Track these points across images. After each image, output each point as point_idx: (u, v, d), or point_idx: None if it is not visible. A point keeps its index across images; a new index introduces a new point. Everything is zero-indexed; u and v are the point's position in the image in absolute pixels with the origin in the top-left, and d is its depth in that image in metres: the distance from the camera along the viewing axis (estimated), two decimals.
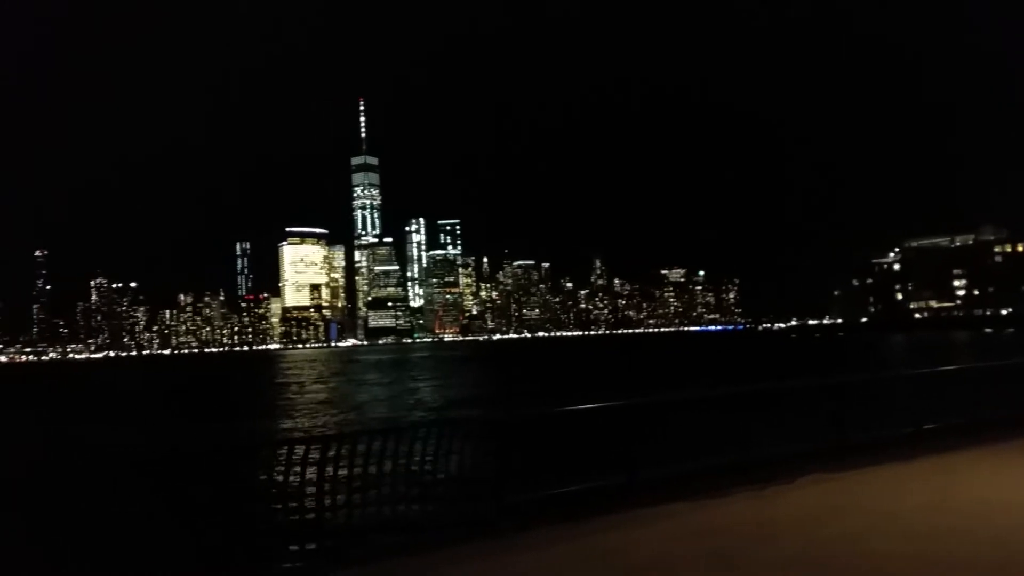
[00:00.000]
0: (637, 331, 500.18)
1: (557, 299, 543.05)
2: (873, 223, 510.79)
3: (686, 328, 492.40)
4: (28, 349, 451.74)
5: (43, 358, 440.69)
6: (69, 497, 8.59)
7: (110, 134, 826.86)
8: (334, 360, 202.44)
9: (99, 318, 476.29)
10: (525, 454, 11.47)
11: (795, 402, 15.25)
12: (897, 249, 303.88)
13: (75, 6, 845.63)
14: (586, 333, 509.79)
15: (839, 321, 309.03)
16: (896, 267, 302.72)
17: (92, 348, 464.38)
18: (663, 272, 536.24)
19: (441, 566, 8.81)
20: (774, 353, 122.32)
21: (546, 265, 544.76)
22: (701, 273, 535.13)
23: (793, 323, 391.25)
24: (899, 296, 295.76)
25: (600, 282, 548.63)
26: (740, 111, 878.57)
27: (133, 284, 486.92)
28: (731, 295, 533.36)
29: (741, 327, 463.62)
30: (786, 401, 15.21)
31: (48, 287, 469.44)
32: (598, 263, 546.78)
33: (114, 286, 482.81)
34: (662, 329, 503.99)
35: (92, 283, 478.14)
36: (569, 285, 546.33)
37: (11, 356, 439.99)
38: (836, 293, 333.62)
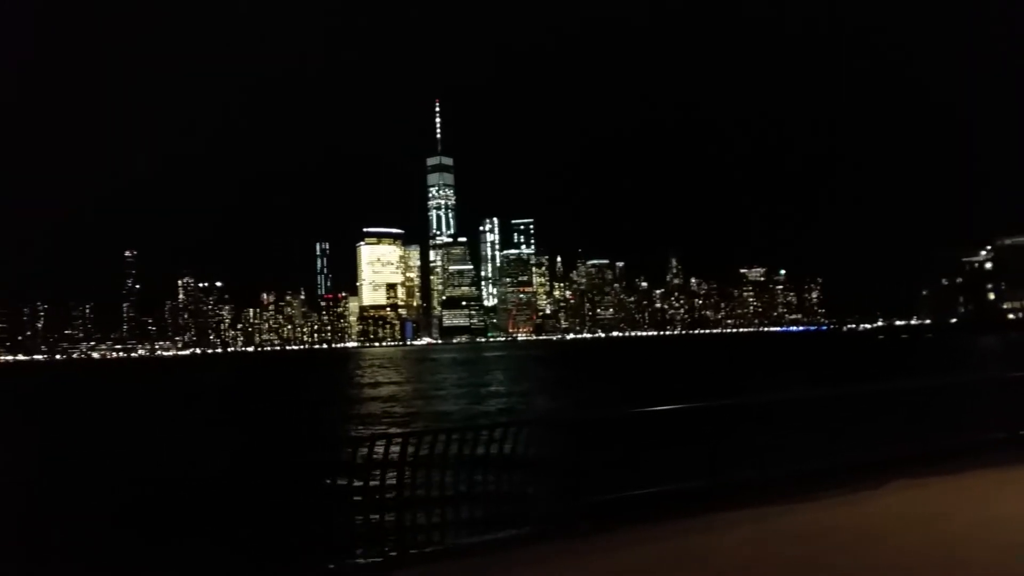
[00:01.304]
0: (714, 331, 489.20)
1: (632, 299, 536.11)
2: (963, 220, 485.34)
3: (766, 329, 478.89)
4: (118, 346, 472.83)
5: (132, 355, 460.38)
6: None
7: (198, 138, 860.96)
8: (410, 359, 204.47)
9: (186, 316, 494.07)
10: (602, 455, 11.36)
11: (882, 405, 14.43)
12: (989, 247, 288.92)
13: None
14: (661, 333, 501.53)
15: (928, 322, 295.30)
16: (988, 265, 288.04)
17: (179, 345, 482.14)
18: (742, 271, 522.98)
19: (518, 565, 8.79)
20: (859, 355, 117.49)
21: (620, 264, 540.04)
22: (782, 272, 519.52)
23: (879, 324, 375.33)
24: (991, 296, 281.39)
25: (676, 281, 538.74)
26: (825, 105, 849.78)
27: (219, 283, 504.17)
28: (814, 295, 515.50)
29: (824, 328, 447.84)
30: (872, 404, 14.38)
31: (137, 286, 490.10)
32: (674, 262, 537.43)
33: (200, 285, 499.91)
34: (741, 330, 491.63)
35: (179, 282, 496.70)
36: (644, 284, 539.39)
37: (103, 353, 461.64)
38: (924, 293, 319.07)
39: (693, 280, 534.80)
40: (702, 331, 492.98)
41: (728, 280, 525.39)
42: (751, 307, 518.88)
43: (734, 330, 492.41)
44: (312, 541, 9.58)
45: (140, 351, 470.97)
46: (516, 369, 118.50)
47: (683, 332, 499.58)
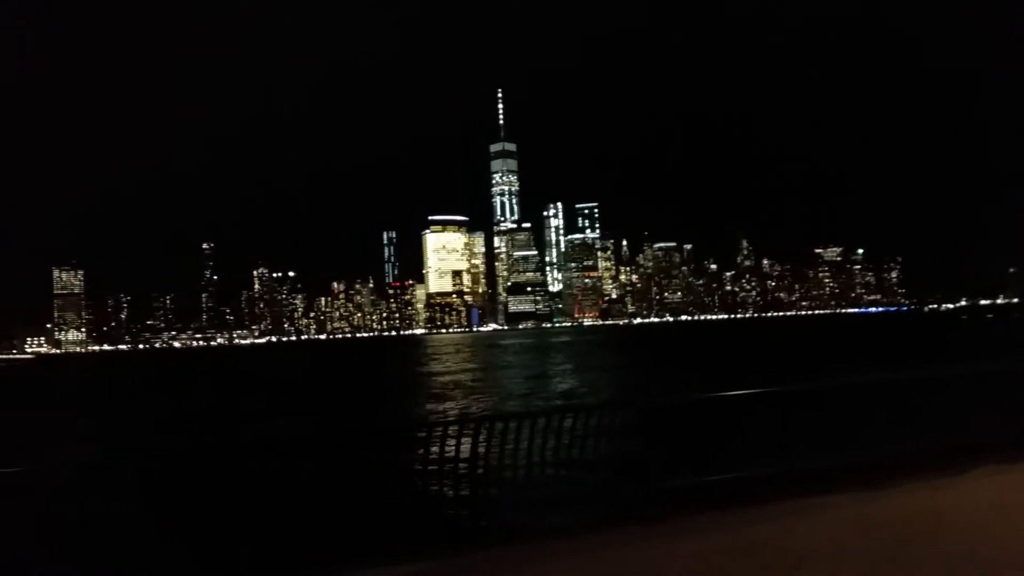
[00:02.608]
0: (788, 314, 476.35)
1: (701, 282, 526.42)
2: None
3: (843, 310, 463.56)
4: (198, 335, 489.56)
5: (211, 343, 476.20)
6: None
7: (269, 132, 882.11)
8: (476, 345, 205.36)
9: (261, 305, 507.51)
10: (673, 440, 11.32)
11: (967, 388, 13.50)
12: None
13: None
14: (732, 316, 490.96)
15: (1015, 301, 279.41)
16: None
17: (256, 334, 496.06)
18: (817, 251, 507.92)
19: (589, 549, 8.81)
20: (942, 336, 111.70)
21: (688, 247, 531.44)
22: (860, 251, 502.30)
23: (963, 303, 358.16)
24: None
25: (747, 263, 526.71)
26: (904, 80, 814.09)
27: (292, 273, 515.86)
28: (893, 274, 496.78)
29: (904, 308, 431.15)
30: (956, 387, 13.47)
31: (215, 277, 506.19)
32: (745, 243, 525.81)
33: (274, 275, 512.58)
34: (816, 312, 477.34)
35: (255, 273, 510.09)
36: (713, 267, 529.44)
37: (183, 342, 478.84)
38: (1012, 271, 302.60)
39: (765, 261, 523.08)
40: (775, 314, 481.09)
41: (802, 261, 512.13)
42: (827, 288, 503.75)
43: (809, 312, 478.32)
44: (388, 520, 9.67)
45: (219, 340, 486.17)
46: (583, 354, 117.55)
47: (755, 315, 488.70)
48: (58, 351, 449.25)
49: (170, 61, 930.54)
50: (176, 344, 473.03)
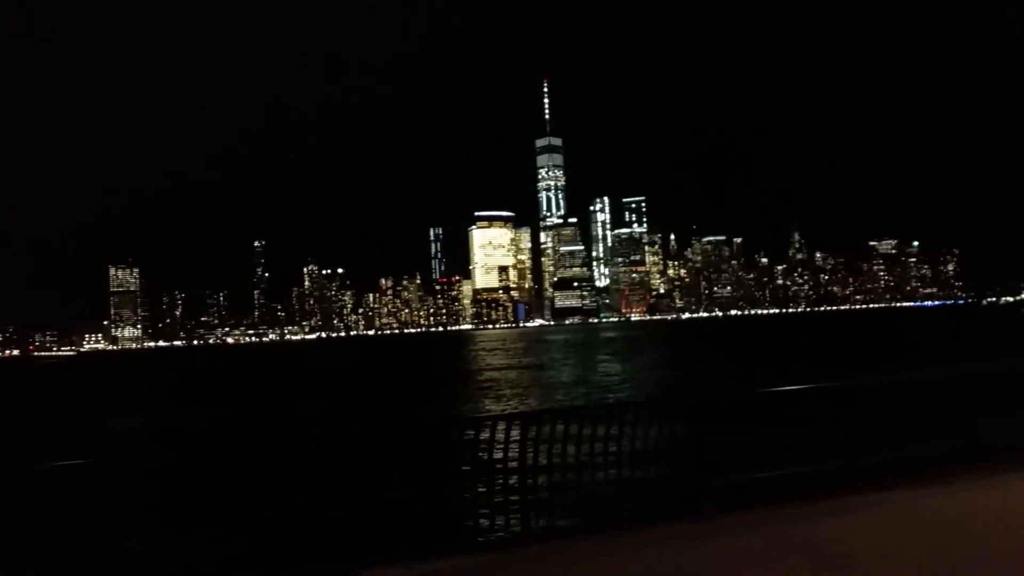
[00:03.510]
0: (842, 308, 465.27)
1: (751, 275, 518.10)
2: None
3: (898, 304, 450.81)
4: (251, 331, 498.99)
5: (263, 339, 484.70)
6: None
7: (320, 133, 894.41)
8: (523, 340, 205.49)
9: (312, 302, 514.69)
10: (727, 436, 11.24)
11: None
12: None
13: None
14: (784, 311, 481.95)
15: None
16: None
17: (306, 329, 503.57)
18: (871, 243, 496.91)
19: (644, 545, 8.75)
20: (1002, 330, 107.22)
21: (738, 240, 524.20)
22: (915, 243, 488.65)
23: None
24: None
25: (799, 256, 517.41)
26: (958, 65, 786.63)
27: (340, 270, 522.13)
28: (950, 267, 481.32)
29: (962, 302, 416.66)
30: (1015, 383, 12.95)
31: (267, 274, 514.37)
32: (796, 236, 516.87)
33: (324, 272, 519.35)
34: (871, 305, 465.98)
35: (305, 270, 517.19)
36: (764, 260, 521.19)
37: (236, 338, 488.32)
38: None
39: (818, 255, 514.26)
40: (829, 308, 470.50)
41: (856, 253, 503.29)
42: (881, 282, 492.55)
43: (863, 306, 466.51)
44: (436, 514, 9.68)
45: (271, 336, 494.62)
46: (630, 350, 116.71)
47: (808, 309, 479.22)
48: (114, 347, 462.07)
49: (223, 59, 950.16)
50: (229, 340, 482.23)
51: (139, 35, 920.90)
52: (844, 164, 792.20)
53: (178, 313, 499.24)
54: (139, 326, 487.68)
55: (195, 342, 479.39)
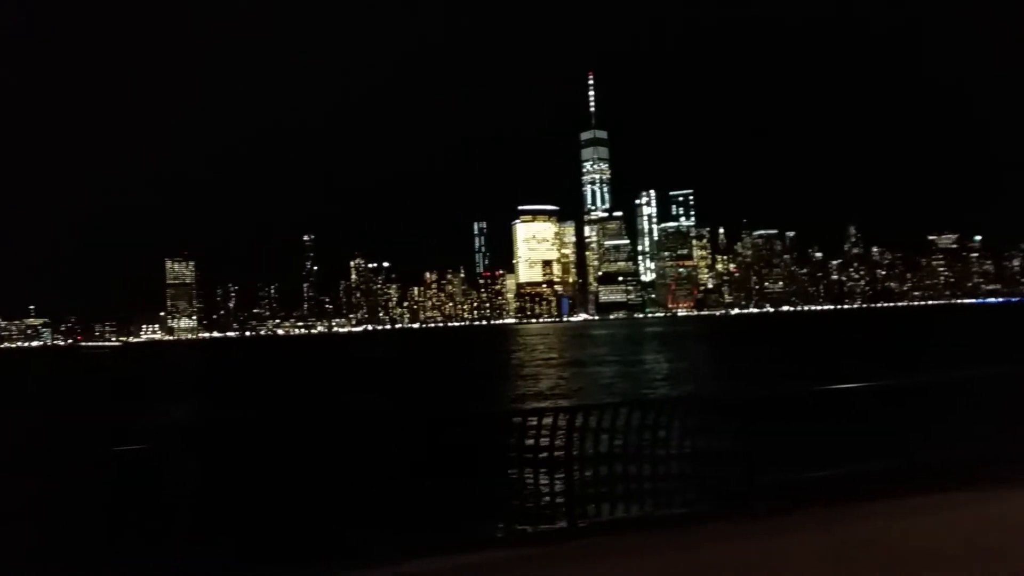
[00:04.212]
0: (899, 304, 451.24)
1: (804, 270, 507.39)
2: None
3: (959, 300, 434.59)
4: (300, 323, 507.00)
5: (312, 331, 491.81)
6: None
7: (367, 128, 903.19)
8: (567, 335, 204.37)
9: (358, 295, 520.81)
10: (779, 434, 11.09)
11: None
12: None
13: None
14: (839, 307, 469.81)
15: None
16: None
17: (353, 322, 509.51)
18: (930, 238, 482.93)
19: (694, 543, 8.73)
20: None
21: (791, 234, 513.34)
22: (977, 238, 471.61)
23: None
24: None
25: (855, 251, 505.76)
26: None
27: (386, 264, 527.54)
28: (1015, 262, 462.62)
29: None
30: None
31: (315, 268, 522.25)
32: (852, 230, 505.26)
33: (370, 266, 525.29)
34: (930, 302, 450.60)
35: (352, 263, 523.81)
36: (818, 255, 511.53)
37: (286, 329, 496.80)
38: None
39: (875, 249, 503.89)
40: (885, 304, 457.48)
41: (914, 248, 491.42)
42: (941, 277, 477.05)
43: (922, 303, 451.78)
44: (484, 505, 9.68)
45: (319, 328, 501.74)
46: (678, 345, 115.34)
47: (864, 305, 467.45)
48: (171, 338, 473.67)
49: (277, 56, 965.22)
50: (279, 332, 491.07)
51: (196, 26, 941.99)
52: (903, 156, 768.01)
53: (231, 305, 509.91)
54: (194, 317, 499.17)
55: (247, 333, 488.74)
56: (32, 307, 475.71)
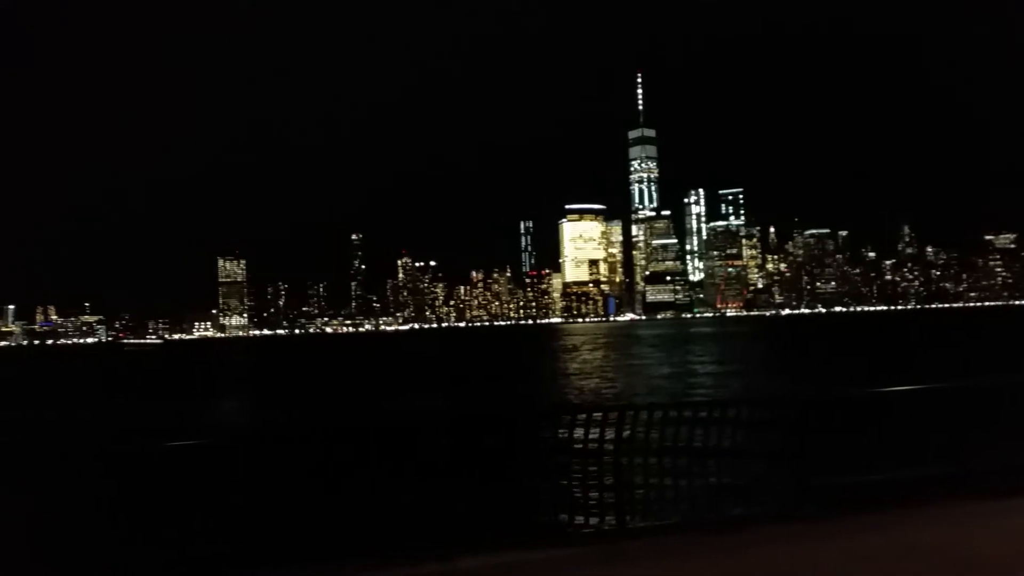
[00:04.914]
0: (955, 306, 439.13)
1: (857, 270, 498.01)
2: None
3: (1017, 302, 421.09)
4: (348, 321, 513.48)
5: (360, 329, 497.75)
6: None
7: (412, 129, 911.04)
8: (613, 335, 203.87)
9: (405, 294, 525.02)
10: (830, 437, 10.94)
11: None
12: None
13: None
14: (892, 308, 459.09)
15: None
16: None
17: (400, 321, 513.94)
18: (987, 237, 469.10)
19: (746, 546, 8.62)
20: None
21: (843, 233, 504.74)
22: None
23: None
24: None
25: (909, 250, 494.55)
26: None
27: (433, 263, 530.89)
28: None
29: None
30: None
31: (363, 266, 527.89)
32: (907, 229, 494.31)
33: (417, 264, 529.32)
34: (986, 303, 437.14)
35: (399, 262, 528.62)
36: (871, 255, 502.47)
37: (334, 328, 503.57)
38: None
39: (929, 249, 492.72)
40: (940, 305, 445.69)
41: (971, 248, 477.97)
42: (999, 278, 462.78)
43: (978, 304, 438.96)
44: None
45: (367, 326, 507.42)
46: (728, 346, 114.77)
47: (918, 307, 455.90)
48: (222, 335, 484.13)
49: (322, 56, 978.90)
50: (328, 329, 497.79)
51: (251, 22, 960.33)
52: (959, 153, 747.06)
53: (281, 303, 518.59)
54: (245, 315, 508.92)
55: (296, 331, 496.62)
56: (87, 304, 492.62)
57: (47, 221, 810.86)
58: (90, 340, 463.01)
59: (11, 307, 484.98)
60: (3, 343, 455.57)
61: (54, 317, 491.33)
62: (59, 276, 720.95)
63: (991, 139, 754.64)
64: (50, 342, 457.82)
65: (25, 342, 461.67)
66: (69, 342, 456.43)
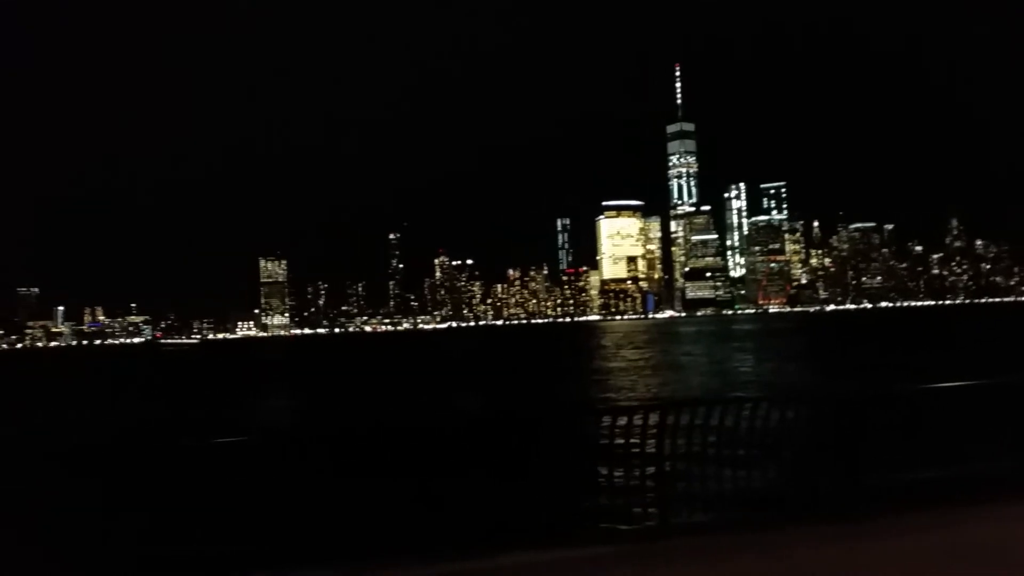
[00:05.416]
0: (1006, 300, 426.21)
1: (903, 265, 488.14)
2: None
3: None
4: (386, 320, 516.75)
5: (398, 328, 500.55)
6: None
7: (448, 125, 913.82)
8: (652, 332, 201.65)
9: (442, 292, 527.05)
10: (881, 434, 10.75)
11: None
12: None
13: None
14: (940, 303, 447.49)
15: None
16: None
17: (437, 319, 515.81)
18: None
19: (794, 545, 8.47)
20: None
21: (889, 227, 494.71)
22: None
23: None
24: None
25: (958, 244, 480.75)
26: None
27: (470, 261, 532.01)
28: None
29: None
30: None
31: (401, 265, 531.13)
32: (955, 222, 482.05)
33: (454, 263, 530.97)
34: None
35: (436, 261, 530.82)
36: (918, 248, 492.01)
37: (373, 326, 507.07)
38: None
39: (979, 242, 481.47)
40: (990, 300, 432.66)
41: (1022, 240, 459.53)
42: None
43: None
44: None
45: (405, 324, 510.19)
46: (772, 342, 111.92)
47: (967, 301, 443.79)
48: (264, 334, 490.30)
49: (355, 58, 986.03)
50: (367, 328, 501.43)
51: (284, 20, 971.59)
52: (1006, 143, 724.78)
53: (321, 302, 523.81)
54: (286, 314, 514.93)
55: (336, 330, 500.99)
56: (134, 305, 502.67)
57: (96, 223, 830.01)
58: (136, 340, 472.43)
59: (60, 308, 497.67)
60: (53, 343, 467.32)
61: (101, 318, 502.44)
62: (106, 277, 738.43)
63: None
64: (98, 342, 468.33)
65: (74, 342, 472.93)
66: (116, 342, 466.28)
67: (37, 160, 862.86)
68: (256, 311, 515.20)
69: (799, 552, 8.17)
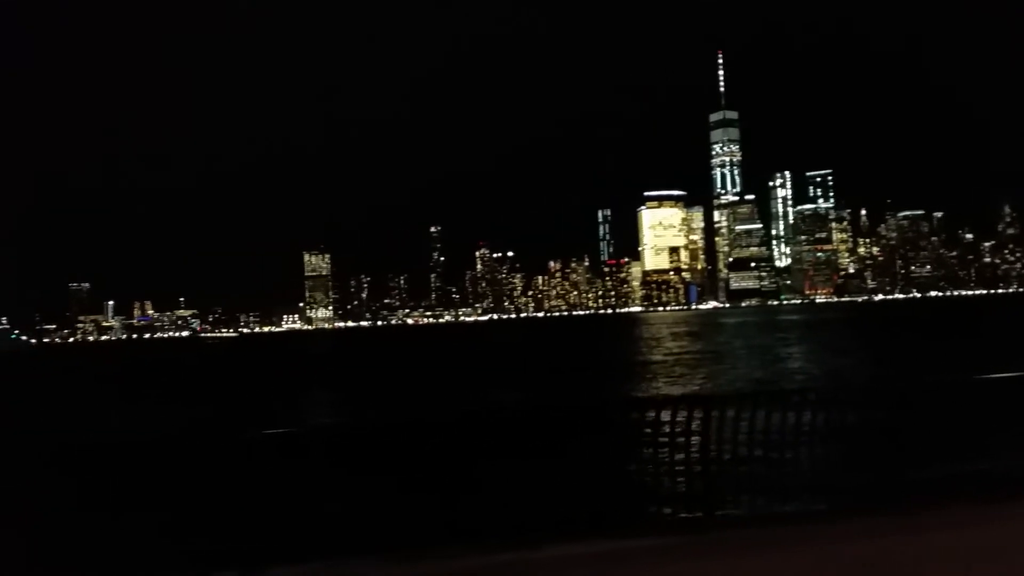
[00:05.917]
0: None
1: (954, 253, 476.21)
2: None
3: None
4: (428, 313, 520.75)
5: (439, 320, 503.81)
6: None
7: (493, 122, 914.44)
8: (696, 323, 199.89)
9: (483, 285, 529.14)
10: (927, 427, 10.62)
11: None
12: None
13: None
14: (993, 292, 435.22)
15: None
16: None
17: (479, 311, 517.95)
18: None
19: (840, 539, 8.41)
20: None
21: (939, 215, 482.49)
22: None
23: None
24: None
25: (1010, 231, 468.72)
26: None
27: (510, 253, 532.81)
28: None
29: None
30: None
31: (442, 258, 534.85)
32: (1007, 209, 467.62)
33: (495, 255, 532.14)
34: None
35: (477, 253, 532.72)
36: (969, 237, 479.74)
37: (415, 319, 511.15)
38: None
39: None
40: None
41: None
42: None
43: None
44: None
45: (446, 317, 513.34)
46: (820, 334, 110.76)
47: (1020, 290, 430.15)
48: (309, 327, 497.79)
49: (380, 57, 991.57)
50: (409, 321, 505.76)
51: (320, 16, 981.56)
52: None
53: (364, 296, 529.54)
54: (330, 307, 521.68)
55: (379, 323, 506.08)
56: (182, 299, 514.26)
57: (145, 220, 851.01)
58: (184, 333, 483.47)
59: (110, 302, 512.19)
60: (104, 337, 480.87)
61: (151, 312, 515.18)
62: (156, 272, 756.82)
63: None
64: (147, 336, 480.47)
65: (124, 336, 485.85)
66: (165, 335, 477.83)
67: (86, 158, 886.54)
68: (300, 304, 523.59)
69: (848, 546, 8.00)
